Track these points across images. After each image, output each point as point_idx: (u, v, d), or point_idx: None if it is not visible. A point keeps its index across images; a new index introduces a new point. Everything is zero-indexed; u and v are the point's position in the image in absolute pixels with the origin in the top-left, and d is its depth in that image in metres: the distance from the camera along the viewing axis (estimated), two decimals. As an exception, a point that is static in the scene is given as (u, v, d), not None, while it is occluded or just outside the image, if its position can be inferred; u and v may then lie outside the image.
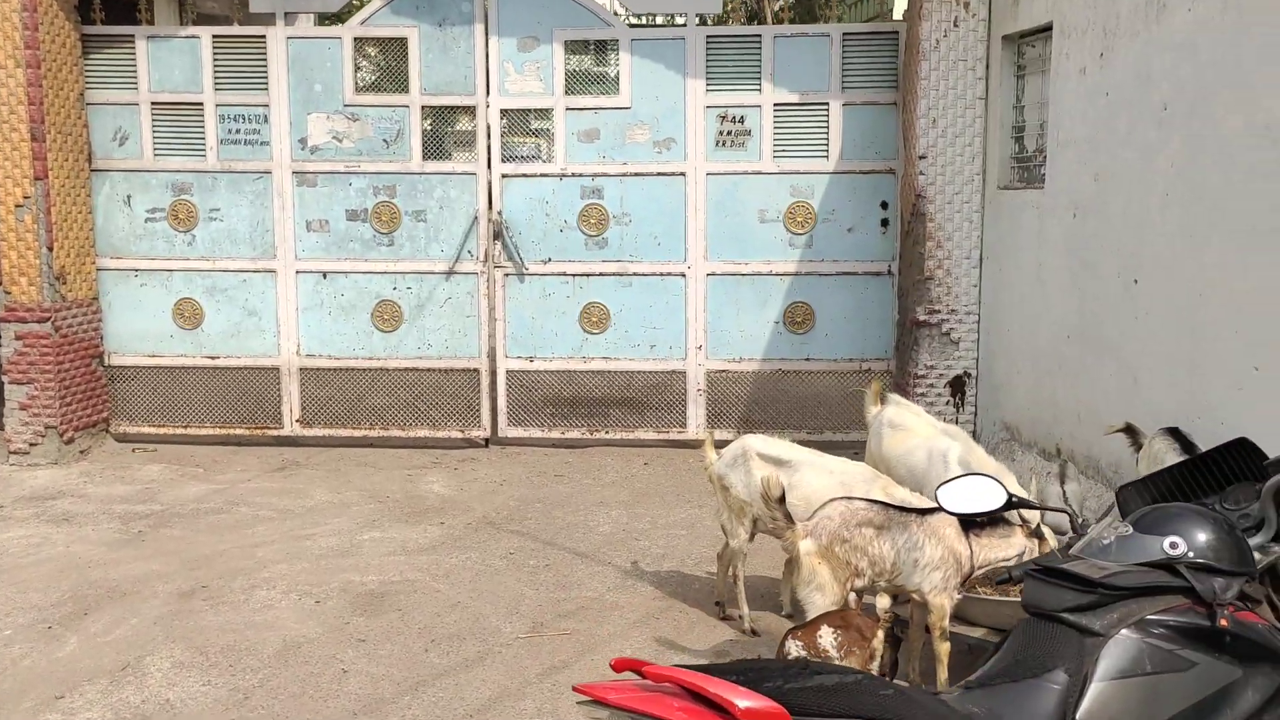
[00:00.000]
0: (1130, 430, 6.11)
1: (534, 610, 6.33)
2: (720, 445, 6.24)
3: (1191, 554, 2.84)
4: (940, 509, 5.04)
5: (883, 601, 4.72)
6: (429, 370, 10.04)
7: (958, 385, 9.05)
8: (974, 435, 9.00)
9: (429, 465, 9.57)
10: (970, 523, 5.01)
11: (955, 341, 9.00)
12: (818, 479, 5.75)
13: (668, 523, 7.94)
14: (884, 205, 9.60)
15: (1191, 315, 6.12)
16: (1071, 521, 3.30)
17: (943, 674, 5.02)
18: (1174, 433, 5.77)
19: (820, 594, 4.90)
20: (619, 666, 2.59)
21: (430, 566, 7.05)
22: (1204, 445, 5.63)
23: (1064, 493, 5.90)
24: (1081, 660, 2.74)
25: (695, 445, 9.98)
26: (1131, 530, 2.95)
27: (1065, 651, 2.75)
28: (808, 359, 9.83)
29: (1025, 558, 4.92)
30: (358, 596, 6.55)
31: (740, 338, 9.85)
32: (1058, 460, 6.78)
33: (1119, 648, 2.75)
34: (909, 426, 6.30)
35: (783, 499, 4.97)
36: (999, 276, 8.65)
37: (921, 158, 8.85)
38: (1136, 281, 6.67)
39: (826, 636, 4.72)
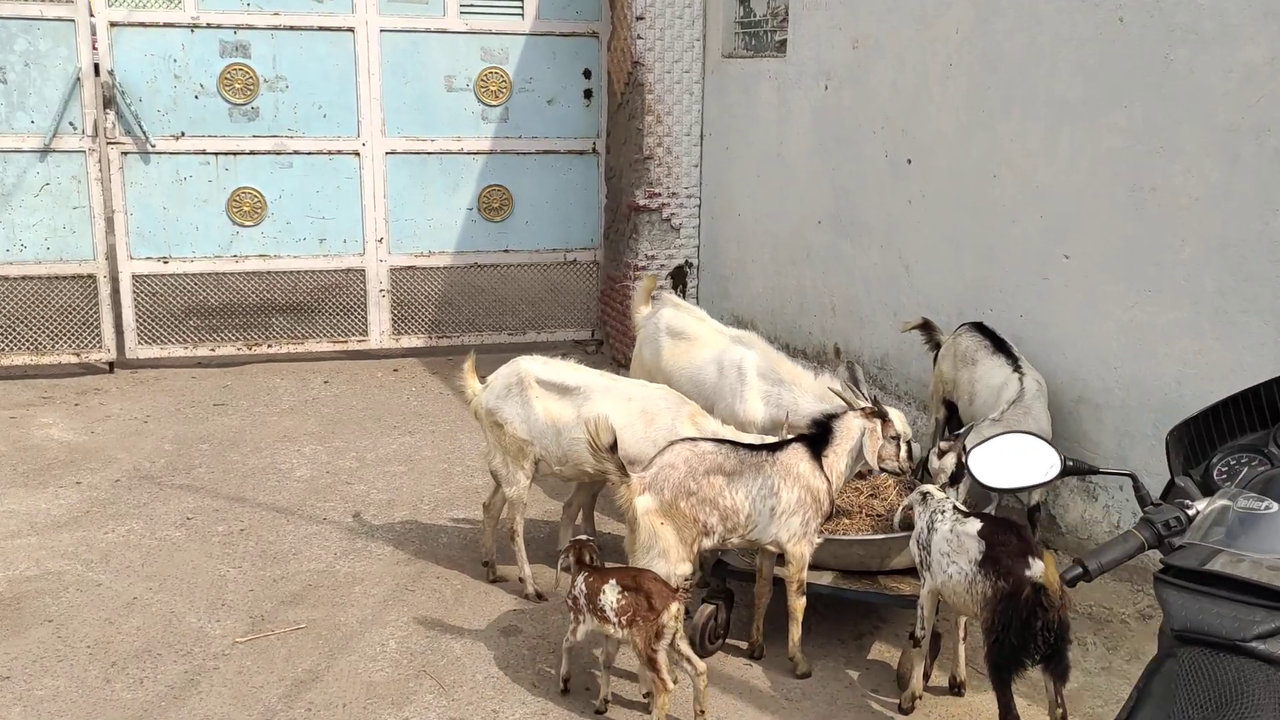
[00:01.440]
0: (927, 326, 5.58)
1: (245, 598, 4.86)
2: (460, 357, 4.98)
3: (1363, 538, 2.12)
4: (790, 441, 4.25)
5: (683, 568, 3.88)
6: (24, 279, 7.79)
7: (679, 276, 8.29)
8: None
9: (38, 402, 7.46)
10: (819, 447, 4.21)
11: (676, 228, 8.20)
12: (615, 409, 4.69)
13: (378, 458, 6.59)
14: (587, 74, 8.49)
15: (981, 198, 5.64)
16: (1136, 488, 2.50)
17: (796, 633, 4.25)
18: (979, 328, 5.29)
19: (664, 560, 3.92)
20: None
21: (78, 548, 5.29)
22: (1006, 338, 5.21)
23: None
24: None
25: (381, 356, 8.59)
26: (1277, 507, 2.19)
27: (1264, 698, 1.95)
28: (507, 250, 8.65)
29: (867, 440, 4.17)
30: (-19, 607, 4.73)
31: (428, 228, 8.46)
32: (842, 361, 6.21)
33: None
34: (693, 335, 5.38)
35: (614, 446, 3.88)
36: (725, 156, 7.89)
37: (639, 19, 7.80)
38: (910, 161, 6.10)
39: (610, 595, 3.79)
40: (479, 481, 6.22)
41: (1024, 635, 3.40)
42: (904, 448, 4.23)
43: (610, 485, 3.94)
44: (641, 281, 5.88)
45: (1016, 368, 4.93)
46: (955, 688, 4.14)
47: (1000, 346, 5.09)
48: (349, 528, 5.59)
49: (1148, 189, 4.72)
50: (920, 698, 4.04)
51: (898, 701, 4.08)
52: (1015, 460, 2.49)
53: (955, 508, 3.90)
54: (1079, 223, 5.08)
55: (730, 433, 4.68)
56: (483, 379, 4.95)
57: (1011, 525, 3.67)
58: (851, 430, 4.22)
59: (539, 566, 5.03)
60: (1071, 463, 2.49)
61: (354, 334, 8.51)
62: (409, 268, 8.47)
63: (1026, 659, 3.44)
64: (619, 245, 8.34)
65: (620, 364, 8.41)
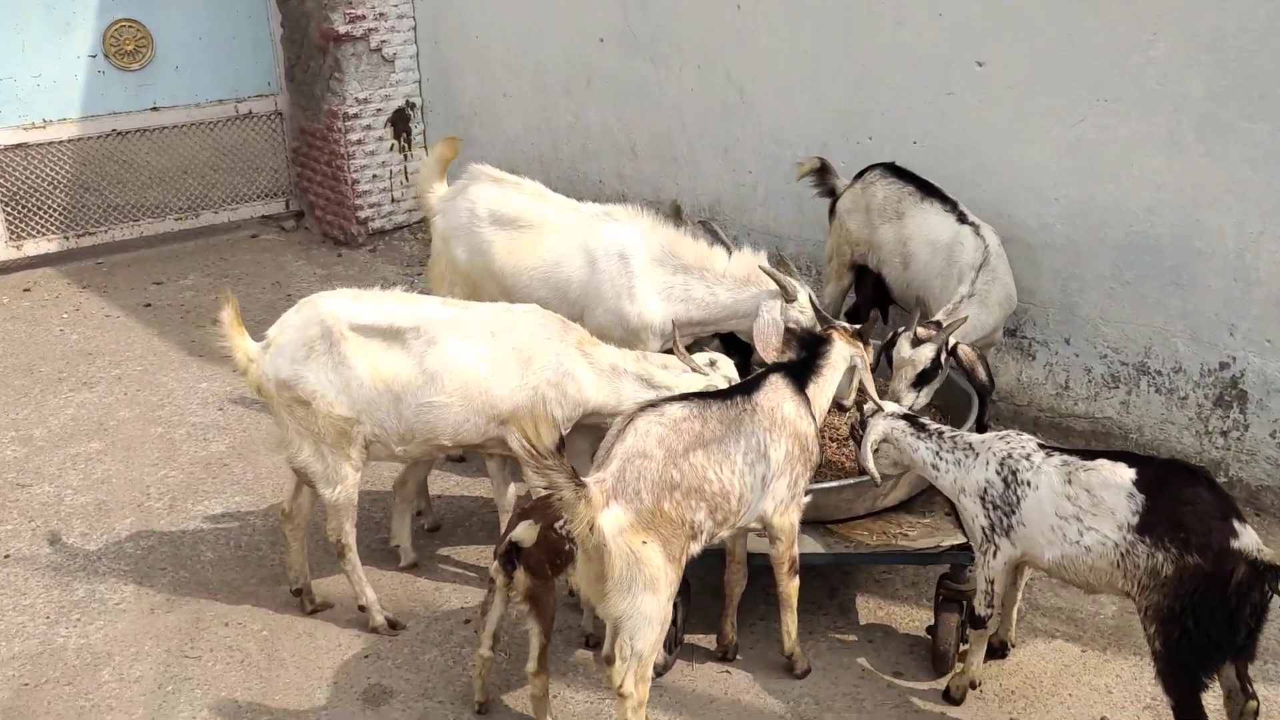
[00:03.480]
0: (824, 169, 4.38)
1: (-79, 737, 3.03)
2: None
3: None
4: (767, 373, 2.99)
5: (527, 534, 2.75)
6: None
7: (401, 121, 6.53)
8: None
9: None
10: (803, 377, 3.02)
11: (389, 60, 6.39)
12: (476, 351, 3.22)
13: (54, 434, 4.63)
14: None
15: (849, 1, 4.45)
16: None
17: (792, 624, 3.13)
18: (894, 171, 4.19)
19: (653, 594, 2.61)
20: None
21: None
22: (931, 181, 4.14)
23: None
24: None
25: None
26: None
27: None
28: (155, 108, 6.47)
29: (862, 372, 3.13)
30: None
31: (37, 88, 6.13)
32: (689, 221, 4.89)
33: None
34: (533, 219, 3.86)
35: (562, 446, 2.46)
36: (445, -40, 6.12)
37: None
38: (735, -47, 4.76)
39: None
40: (219, 448, 4.49)
41: (1230, 627, 2.45)
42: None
43: (559, 501, 2.53)
44: (435, 148, 4.20)
45: (963, 217, 3.90)
46: (1000, 649, 3.21)
47: (929, 191, 4.04)
48: (52, 564, 3.76)
49: (1101, -30, 3.73)
50: (979, 685, 3.08)
51: (943, 687, 3.10)
52: None
53: (1043, 446, 2.85)
54: (996, 21, 4.04)
55: (639, 362, 3.35)
56: (252, 333, 3.26)
57: (1191, 472, 2.63)
58: (840, 358, 3.08)
59: (372, 571, 3.52)
60: None
61: (-48, 247, 6.13)
62: (18, 146, 6.13)
63: (1226, 655, 2.51)
64: (313, 88, 6.42)
65: (337, 240, 6.65)
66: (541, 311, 3.38)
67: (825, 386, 3.07)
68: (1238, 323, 3.71)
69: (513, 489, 3.54)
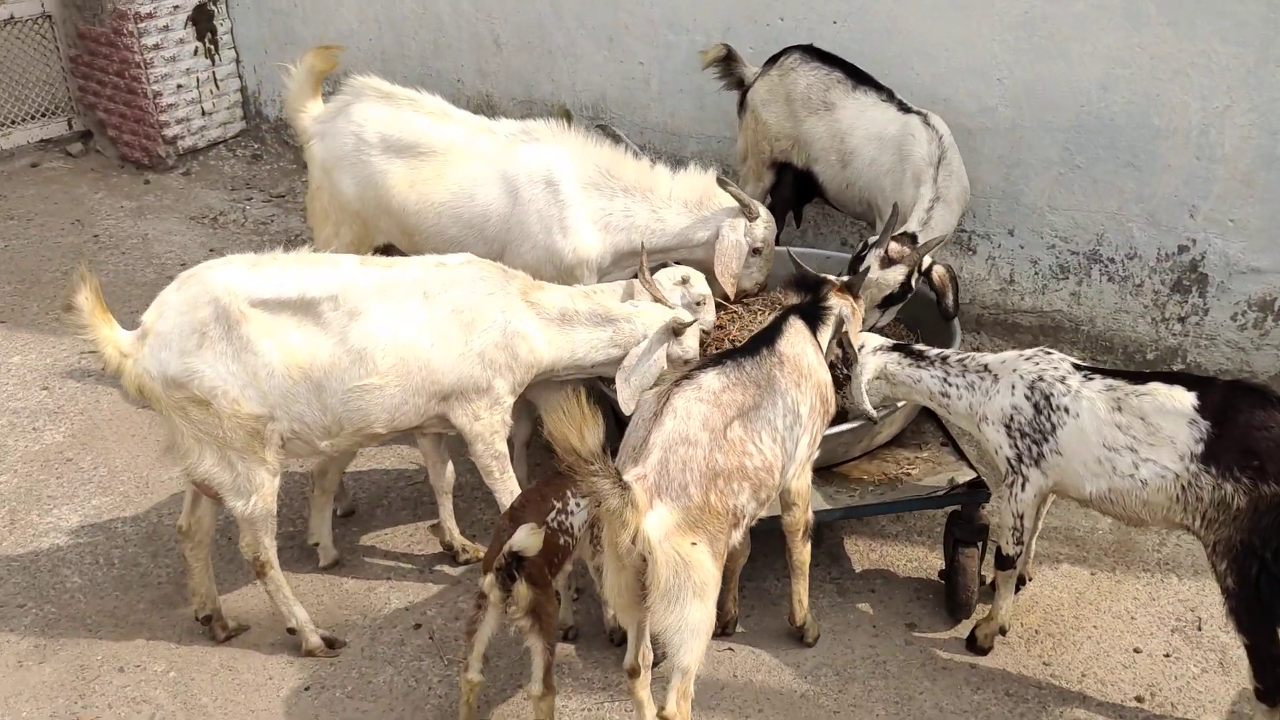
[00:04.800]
0: (730, 58, 3.89)
1: None
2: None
3: None
4: (788, 313, 2.58)
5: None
6: None
7: (204, 19, 5.58)
8: (246, 105, 5.80)
9: None
10: (814, 318, 2.65)
11: (180, -56, 5.41)
12: (404, 317, 2.66)
13: None
14: None
15: None
16: None
17: (803, 591, 2.79)
18: (814, 54, 3.75)
19: (702, 602, 2.20)
20: None
21: None
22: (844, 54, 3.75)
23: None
24: None
25: None
26: None
27: None
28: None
29: (850, 325, 2.80)
30: None
31: None
32: (579, 124, 4.29)
33: None
34: (435, 143, 3.20)
35: (606, 447, 1.99)
36: None
37: None
38: None
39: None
40: (54, 438, 3.76)
41: None
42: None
43: (601, 510, 2.05)
44: (305, 58, 3.42)
45: (904, 106, 3.52)
46: (1017, 584, 2.97)
47: (860, 77, 3.62)
48: (-127, 619, 3.00)
49: None
50: (1007, 630, 2.83)
51: (965, 635, 2.84)
52: None
53: (1079, 367, 2.56)
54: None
55: (589, 298, 2.88)
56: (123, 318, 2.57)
57: (1260, 393, 2.37)
58: (835, 305, 2.72)
59: (287, 576, 2.93)
60: None
61: None
62: None
63: None
64: (92, -15, 5.39)
65: (140, 164, 5.74)
66: (478, 261, 2.82)
67: (829, 334, 2.69)
68: (1199, 203, 3.52)
69: (450, 468, 3.04)
